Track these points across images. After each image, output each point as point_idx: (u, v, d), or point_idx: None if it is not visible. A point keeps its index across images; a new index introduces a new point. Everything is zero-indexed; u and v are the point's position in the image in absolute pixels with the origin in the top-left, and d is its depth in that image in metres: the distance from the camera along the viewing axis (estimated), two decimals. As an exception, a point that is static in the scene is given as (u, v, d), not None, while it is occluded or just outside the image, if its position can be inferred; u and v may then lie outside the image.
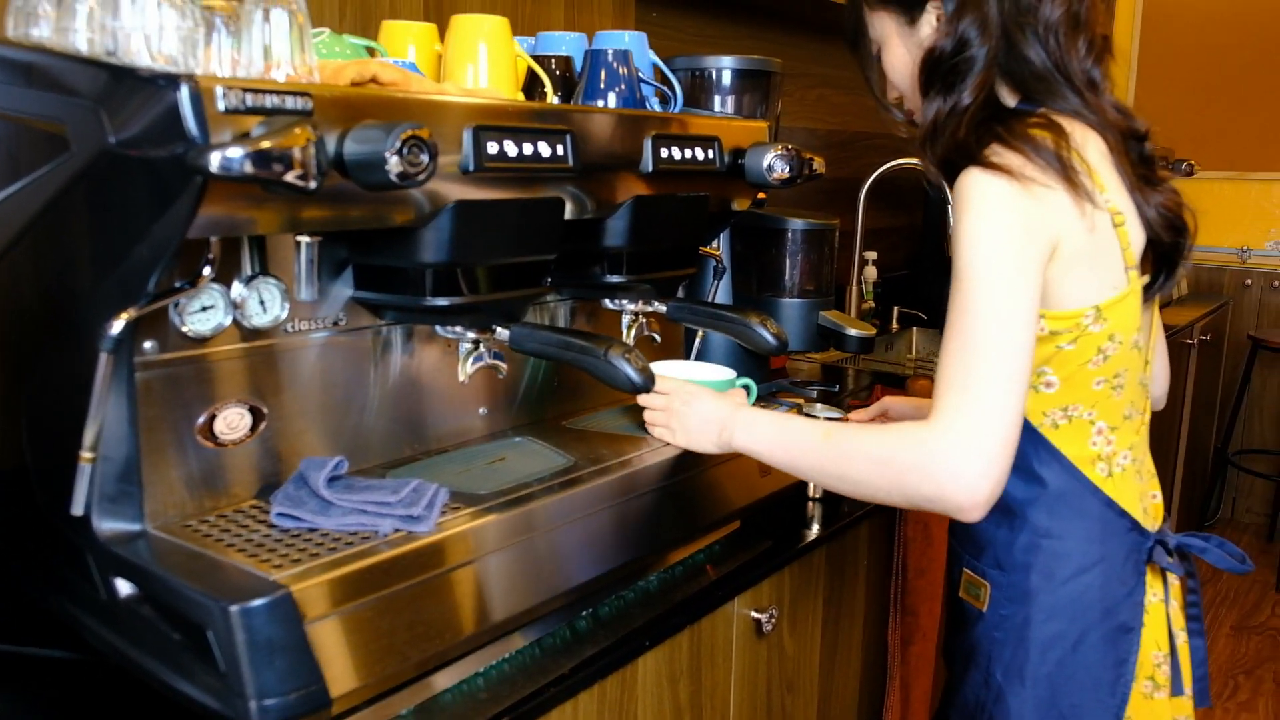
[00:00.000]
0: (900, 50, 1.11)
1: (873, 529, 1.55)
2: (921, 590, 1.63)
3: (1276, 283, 4.12)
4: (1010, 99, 1.06)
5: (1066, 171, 0.98)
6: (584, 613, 1.13)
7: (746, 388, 1.29)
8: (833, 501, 1.51)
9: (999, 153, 0.97)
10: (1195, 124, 4.04)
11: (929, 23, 1.08)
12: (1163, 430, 3.16)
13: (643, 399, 1.17)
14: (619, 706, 1.09)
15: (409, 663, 0.89)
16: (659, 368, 1.27)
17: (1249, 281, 4.16)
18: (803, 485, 1.39)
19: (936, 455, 0.92)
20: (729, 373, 1.24)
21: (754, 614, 1.29)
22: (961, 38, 1.02)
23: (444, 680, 0.98)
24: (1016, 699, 1.10)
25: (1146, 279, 1.10)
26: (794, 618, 1.39)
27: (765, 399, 1.47)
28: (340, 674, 0.83)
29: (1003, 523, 1.11)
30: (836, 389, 2.05)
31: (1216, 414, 4.13)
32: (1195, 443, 3.79)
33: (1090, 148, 1.03)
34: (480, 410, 1.20)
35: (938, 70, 1.04)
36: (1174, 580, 1.15)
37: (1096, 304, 1.02)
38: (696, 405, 1.15)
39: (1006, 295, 0.94)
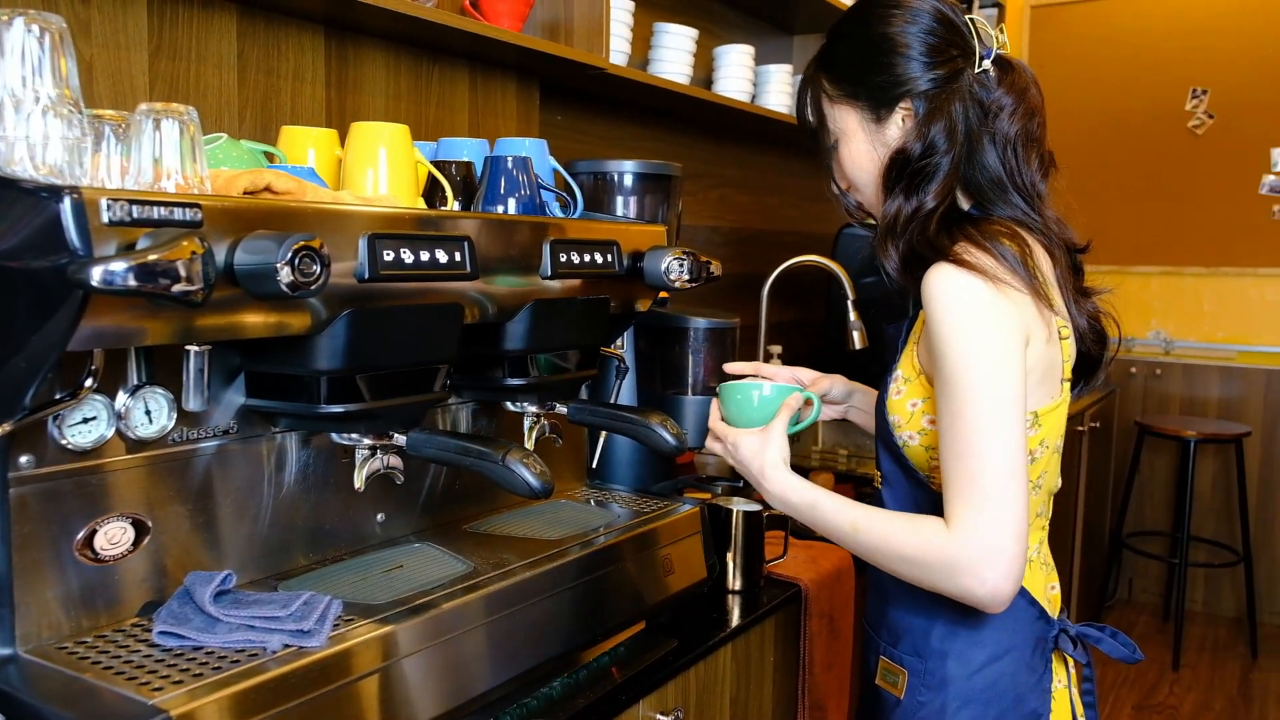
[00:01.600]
0: (863, 145, 1.13)
1: (779, 624, 1.55)
2: (829, 684, 1.63)
3: (1159, 370, 4.32)
4: (964, 202, 1.11)
5: (1031, 279, 1.02)
6: (485, 724, 1.10)
7: (809, 400, 1.23)
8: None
9: (971, 252, 1.01)
10: (1079, 219, 4.26)
11: (896, 123, 1.10)
12: (1059, 516, 3.25)
13: (710, 440, 1.22)
14: (521, 822, 1.06)
15: (298, 786, 0.85)
16: (731, 368, 1.32)
17: (1134, 370, 4.36)
18: (708, 582, 1.39)
19: (960, 563, 0.96)
20: (793, 387, 1.21)
21: (660, 716, 1.27)
22: (930, 142, 1.06)
23: (336, 802, 0.94)
24: None
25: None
26: (700, 718, 1.38)
27: (670, 496, 1.47)
28: (223, 802, 0.80)
29: (919, 610, 1.12)
30: (741, 483, 2.07)
31: (1109, 498, 4.27)
32: (1090, 527, 3.90)
33: (1040, 258, 1.09)
34: (378, 516, 1.18)
35: (904, 171, 1.08)
36: (1073, 667, 1.18)
37: (1035, 410, 1.06)
38: (737, 457, 1.16)
39: (1002, 391, 0.97)
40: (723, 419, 1.21)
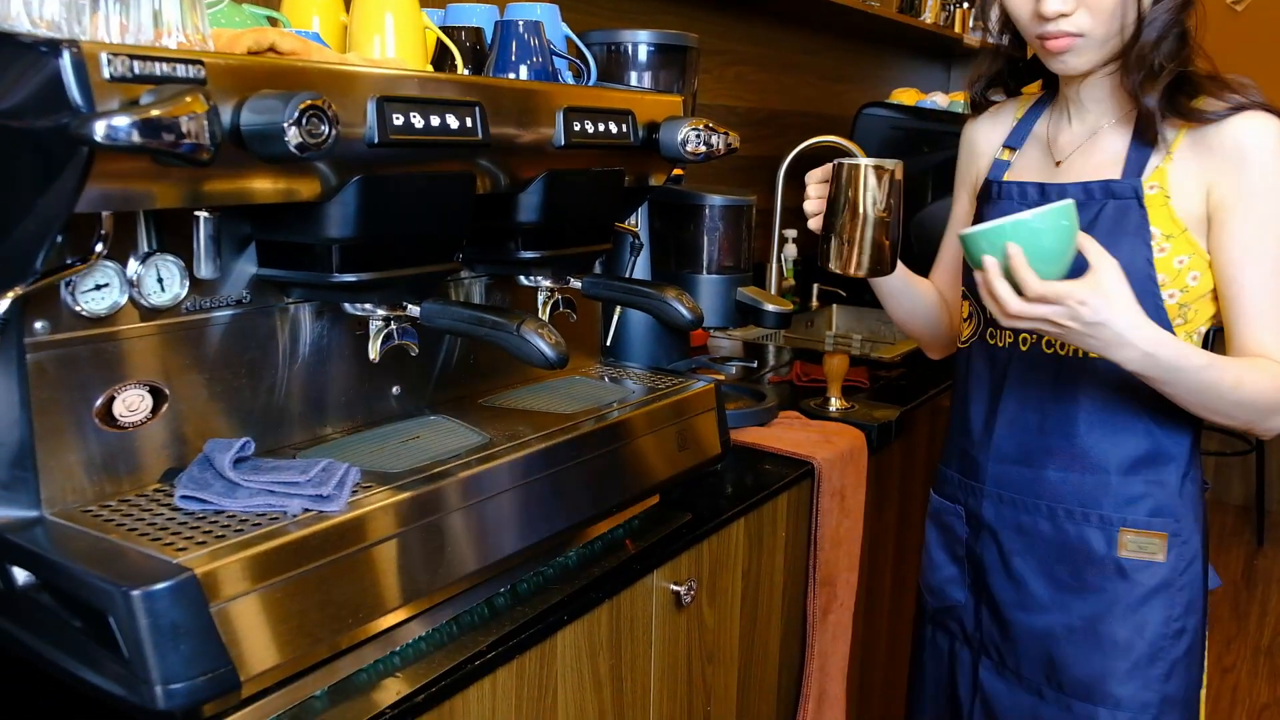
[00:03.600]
0: None
1: (790, 502, 1.58)
2: (838, 561, 1.66)
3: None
4: None
5: None
6: (502, 590, 1.12)
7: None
8: (753, 475, 1.53)
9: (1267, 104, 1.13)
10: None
11: None
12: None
13: (1018, 308, 1.04)
14: (538, 681, 1.09)
15: (321, 643, 0.88)
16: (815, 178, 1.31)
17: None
18: (722, 459, 1.41)
19: None
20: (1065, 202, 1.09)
21: (673, 587, 1.30)
22: None
23: (359, 660, 0.97)
24: (1202, 645, 1.27)
25: None
26: (713, 590, 1.41)
27: (683, 375, 1.47)
28: (250, 656, 0.82)
29: (1165, 473, 1.22)
30: (755, 364, 2.07)
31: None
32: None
33: None
34: (394, 389, 1.19)
35: None
36: None
37: None
38: (1096, 329, 1.05)
39: None
40: (1005, 275, 1.05)
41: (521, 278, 1.28)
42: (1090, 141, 1.24)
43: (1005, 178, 1.32)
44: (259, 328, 1.04)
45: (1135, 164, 1.19)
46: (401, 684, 0.95)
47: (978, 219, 1.31)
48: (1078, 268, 1.06)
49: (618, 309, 1.58)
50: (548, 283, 1.27)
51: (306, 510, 0.90)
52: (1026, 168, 1.31)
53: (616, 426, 1.22)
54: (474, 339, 1.11)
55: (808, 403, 1.87)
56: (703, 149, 1.26)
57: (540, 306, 1.29)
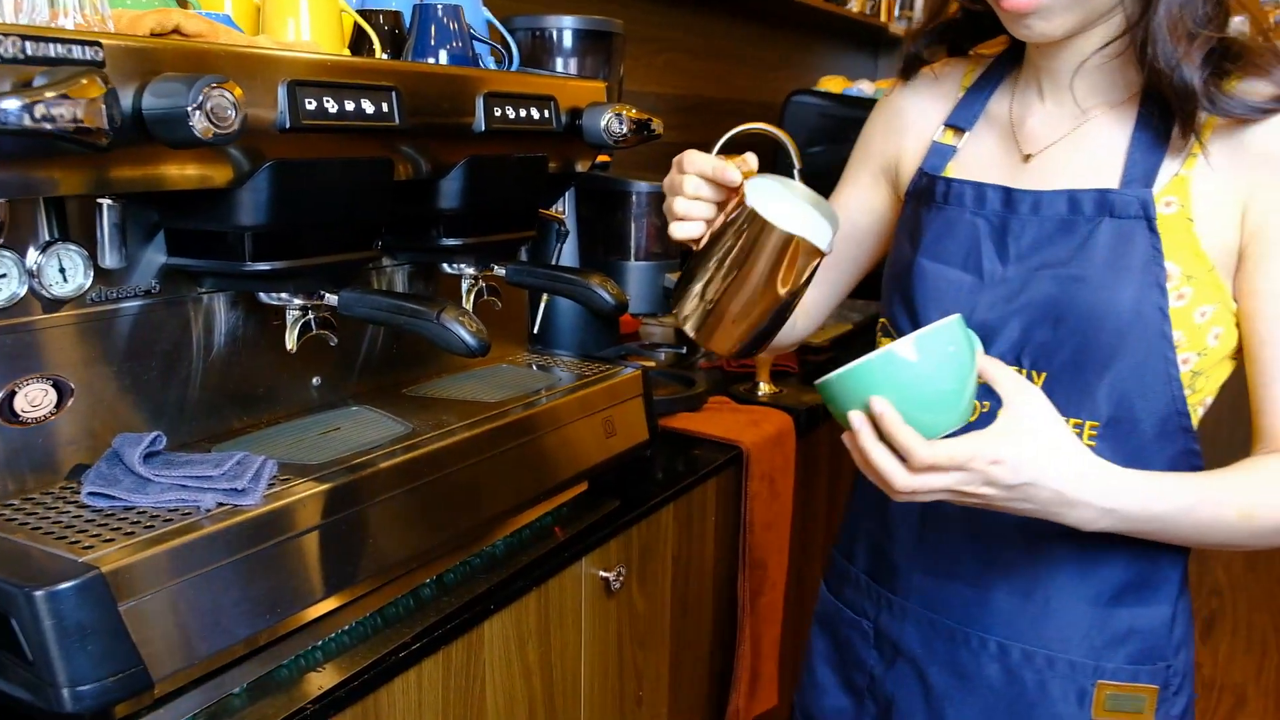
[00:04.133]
0: None
1: (719, 486, 1.58)
2: (770, 543, 1.68)
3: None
4: None
5: None
6: (428, 580, 1.11)
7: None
8: (683, 460, 1.53)
9: None
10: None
11: None
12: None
13: (905, 483, 0.77)
14: (465, 671, 1.09)
15: (239, 640, 0.86)
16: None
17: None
18: (651, 444, 1.41)
19: None
20: (950, 319, 0.80)
21: (602, 573, 1.30)
22: None
23: (279, 656, 0.95)
24: None
25: None
26: (643, 575, 1.41)
27: (612, 361, 1.47)
28: (163, 655, 0.80)
29: (1156, 600, 0.93)
30: (685, 351, 2.07)
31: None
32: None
33: None
34: (314, 380, 1.17)
35: None
36: None
37: None
38: (1027, 491, 0.78)
39: None
40: (876, 427, 0.77)
41: (445, 265, 1.27)
42: (1076, 132, 0.92)
43: (951, 172, 0.99)
44: (170, 319, 1.01)
45: (1142, 168, 0.87)
46: (324, 678, 0.94)
47: (913, 232, 1.00)
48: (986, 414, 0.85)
49: (545, 296, 1.57)
50: (471, 270, 1.25)
51: (221, 505, 0.88)
52: (981, 160, 0.98)
53: (543, 414, 1.21)
54: (394, 328, 1.09)
55: (737, 388, 1.88)
56: (625, 134, 1.26)
57: (464, 294, 1.28)
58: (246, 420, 1.10)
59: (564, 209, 1.71)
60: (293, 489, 0.93)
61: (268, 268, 0.96)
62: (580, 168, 1.36)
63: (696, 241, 0.88)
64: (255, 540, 0.88)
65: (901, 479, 0.76)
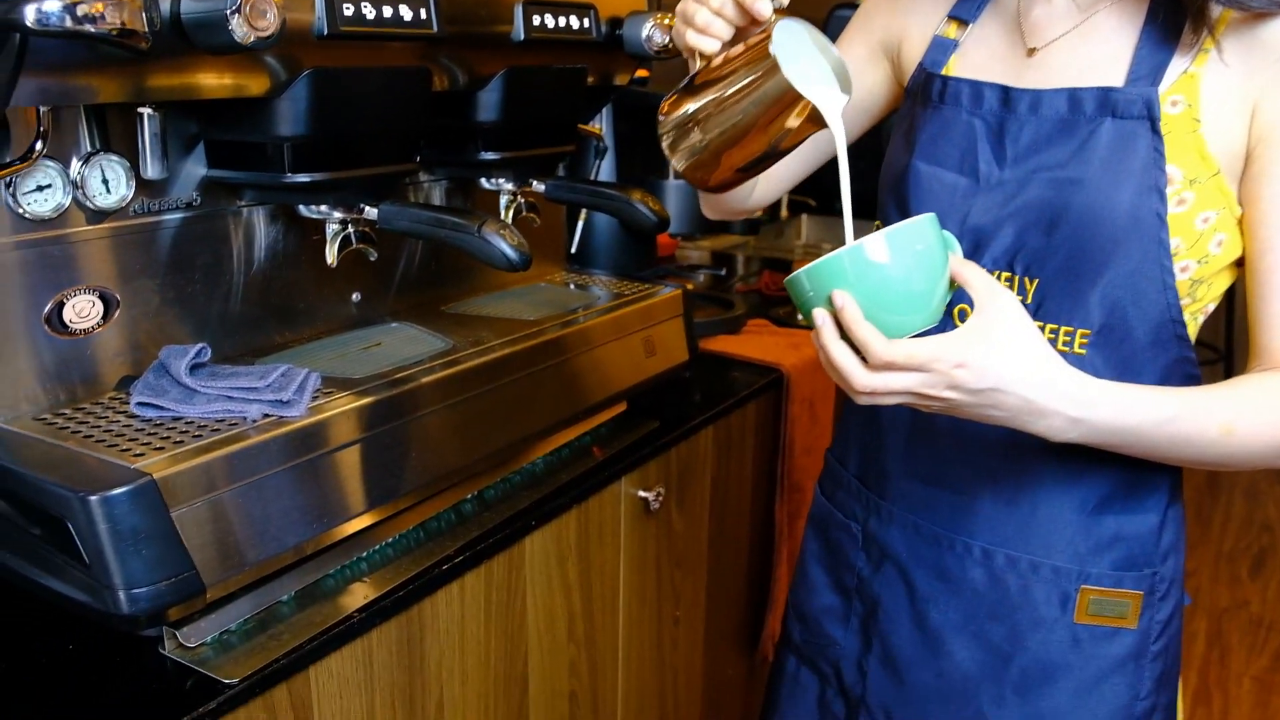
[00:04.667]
0: None
1: (759, 409, 1.59)
2: (808, 468, 1.69)
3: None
4: None
5: None
6: (469, 496, 1.13)
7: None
8: (722, 382, 1.54)
9: None
10: None
11: None
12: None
13: (864, 381, 0.76)
14: (507, 586, 1.11)
15: (286, 548, 0.88)
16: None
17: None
18: (690, 365, 1.41)
19: None
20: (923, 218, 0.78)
21: (641, 493, 1.32)
22: None
23: (325, 566, 0.98)
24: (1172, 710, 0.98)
25: None
26: (682, 496, 1.43)
27: (651, 281, 1.47)
28: (214, 561, 0.83)
29: (1143, 508, 0.94)
30: (724, 273, 2.07)
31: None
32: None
33: None
34: (353, 296, 1.18)
35: None
36: None
37: None
38: (993, 397, 0.77)
39: None
40: (839, 329, 0.76)
41: (483, 181, 1.27)
42: (1084, 25, 0.90)
43: (952, 69, 0.97)
44: (211, 231, 1.02)
45: (1149, 65, 0.86)
46: (369, 588, 0.96)
47: (909, 133, 0.99)
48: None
49: (583, 215, 1.57)
50: (509, 185, 1.25)
51: (266, 416, 0.90)
52: (983, 57, 0.96)
53: (582, 332, 1.22)
54: (434, 242, 1.10)
55: (776, 311, 1.88)
56: (666, 44, 1.24)
57: (502, 210, 1.28)
58: (288, 335, 1.11)
59: (602, 125, 1.70)
60: (336, 402, 0.94)
61: (307, 179, 0.97)
62: (619, 81, 1.34)
63: (705, 58, 0.86)
64: (301, 451, 0.90)
65: (860, 377, 0.76)
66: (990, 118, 0.92)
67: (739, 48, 0.84)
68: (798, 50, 0.82)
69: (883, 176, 1.03)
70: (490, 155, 1.19)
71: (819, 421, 1.70)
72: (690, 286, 1.68)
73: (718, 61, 0.85)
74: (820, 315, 0.76)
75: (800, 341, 1.70)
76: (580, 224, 1.55)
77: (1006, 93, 0.91)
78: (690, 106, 0.85)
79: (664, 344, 1.37)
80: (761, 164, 0.88)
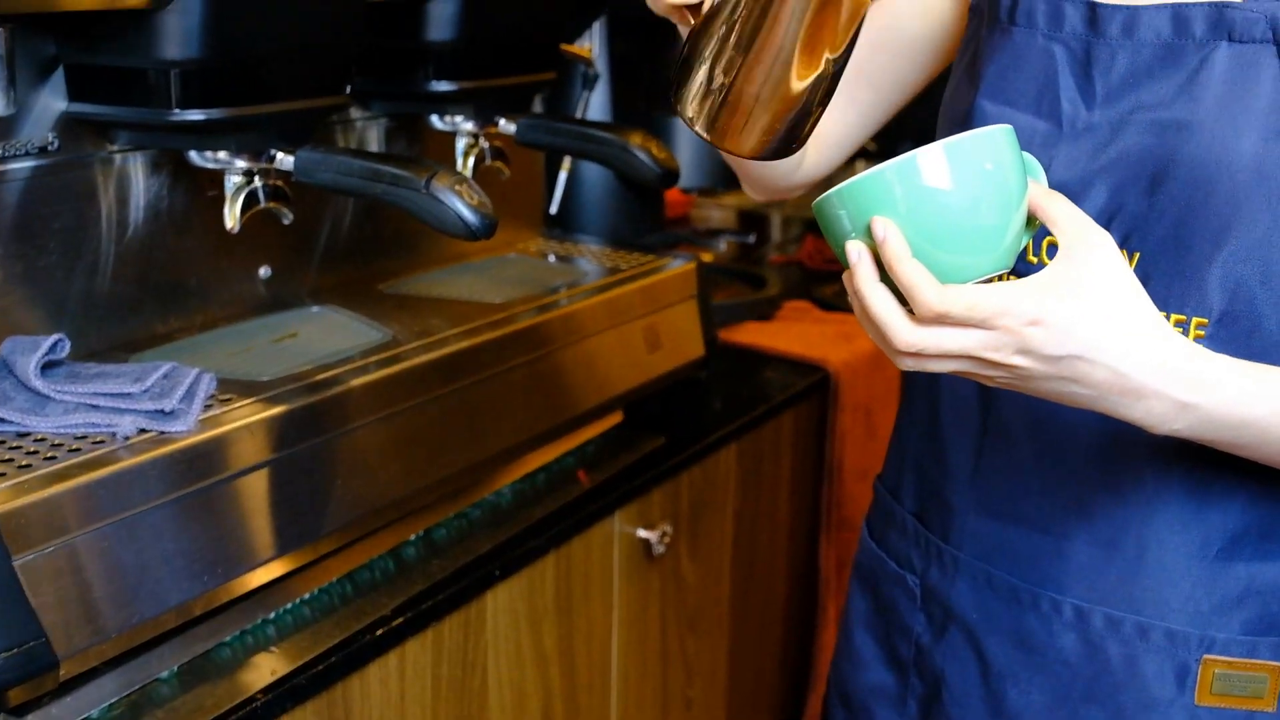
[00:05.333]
0: None
1: (798, 419, 1.59)
2: (862, 496, 1.68)
3: None
4: None
5: None
6: (413, 537, 1.13)
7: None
8: (748, 385, 1.54)
9: None
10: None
11: None
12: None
13: (918, 336, 0.75)
14: (461, 656, 1.11)
15: (167, 608, 0.88)
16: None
17: None
18: (707, 363, 1.41)
19: None
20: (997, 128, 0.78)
21: (641, 533, 1.31)
22: None
23: (220, 631, 0.97)
24: None
25: None
26: (695, 536, 1.43)
27: (658, 252, 1.47)
28: (70, 625, 0.82)
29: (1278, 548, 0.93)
30: (754, 240, 2.06)
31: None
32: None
33: None
34: (261, 271, 1.18)
35: None
36: None
37: None
38: (1076, 368, 0.76)
39: None
40: (880, 270, 0.76)
41: (435, 119, 1.26)
42: None
43: None
44: (72, 185, 1.02)
45: None
46: (277, 661, 0.96)
47: (972, 64, 0.99)
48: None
49: (566, 162, 1.56)
50: (470, 125, 1.25)
51: (143, 431, 0.90)
52: None
53: (564, 319, 1.22)
54: (369, 200, 1.09)
55: (822, 290, 1.87)
56: (681, -61, 1.23)
57: (460, 157, 1.27)
58: (174, 322, 1.11)
59: (593, 45, 1.70)
60: (236, 412, 0.94)
61: (201, 117, 0.96)
62: (617, -13, 1.34)
63: (695, 10, 0.85)
64: (188, 478, 0.89)
65: (903, 331, 0.75)
66: (1074, 43, 0.92)
67: None
68: None
69: (941, 119, 1.02)
70: (444, 85, 1.19)
71: (877, 437, 1.69)
72: (708, 258, 1.67)
73: (707, 4, 0.83)
74: (855, 250, 0.75)
75: (853, 330, 1.69)
76: (563, 176, 1.55)
77: (1094, 10, 0.91)
78: (699, 65, 0.84)
79: (672, 334, 1.36)
80: (810, 102, 0.85)
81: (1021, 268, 0.90)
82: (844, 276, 0.78)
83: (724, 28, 0.82)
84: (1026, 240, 0.79)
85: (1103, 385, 0.77)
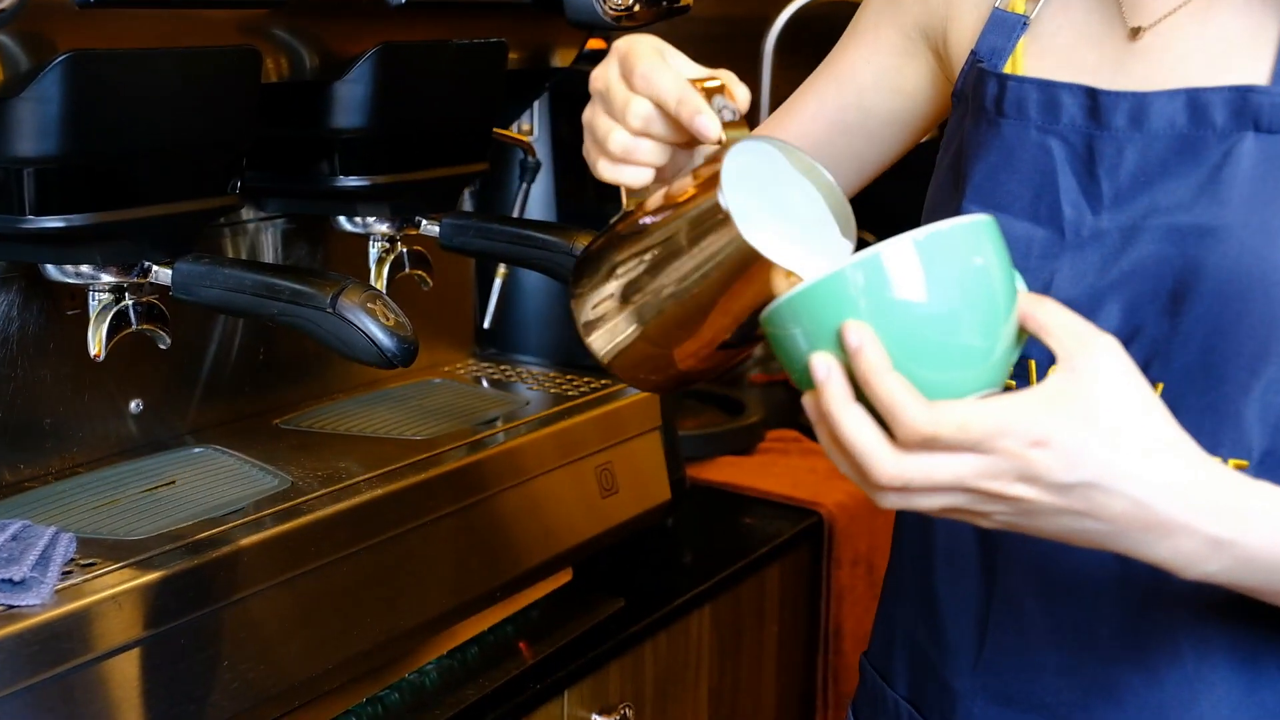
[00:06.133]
0: None
1: (785, 575, 1.59)
2: (866, 668, 1.68)
3: None
4: None
5: None
6: (316, 729, 1.12)
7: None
8: (726, 534, 1.54)
9: None
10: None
11: None
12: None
13: (902, 466, 0.73)
14: None
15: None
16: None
17: None
18: (674, 507, 1.41)
19: None
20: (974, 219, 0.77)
21: (596, 717, 1.30)
22: None
23: None
24: None
25: None
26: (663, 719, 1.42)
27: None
28: None
29: None
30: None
31: None
32: None
33: None
34: (132, 405, 1.19)
35: None
36: None
37: None
38: (1089, 497, 0.75)
39: None
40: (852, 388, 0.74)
41: (343, 220, 1.28)
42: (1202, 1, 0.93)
43: (1018, 64, 1.00)
44: (-97, 306, 1.03)
45: None
46: None
47: (958, 160, 1.02)
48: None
49: (501, 269, 1.58)
50: (385, 227, 1.26)
51: (-14, 605, 0.89)
52: (1064, 44, 0.99)
53: (502, 459, 1.23)
54: (262, 321, 1.10)
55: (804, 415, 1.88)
56: (632, 5, 1.27)
57: (373, 266, 1.28)
58: (26, 469, 1.11)
59: (533, 127, 1.72)
60: (100, 580, 0.94)
61: (60, 224, 0.97)
62: (559, 61, 1.37)
63: (633, 193, 0.87)
64: (43, 662, 0.88)
65: (886, 461, 0.72)
66: (1074, 136, 0.93)
67: (683, 181, 0.84)
68: (765, 186, 0.83)
69: (924, 221, 1.02)
70: (354, 181, 1.20)
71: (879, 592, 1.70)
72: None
73: (654, 201, 0.85)
74: (823, 365, 0.73)
75: (850, 466, 1.70)
76: (498, 284, 1.56)
77: (1094, 97, 0.92)
78: (609, 273, 0.86)
79: (632, 474, 1.37)
80: (728, 360, 0.89)
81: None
82: (804, 399, 0.76)
83: (653, 261, 0.84)
84: (1017, 355, 0.78)
85: (1121, 519, 0.76)
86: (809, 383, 0.74)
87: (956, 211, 0.96)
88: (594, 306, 0.87)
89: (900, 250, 0.72)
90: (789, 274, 0.78)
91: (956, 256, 0.74)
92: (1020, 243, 0.93)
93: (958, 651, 1.00)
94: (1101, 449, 0.74)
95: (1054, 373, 0.76)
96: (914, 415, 0.72)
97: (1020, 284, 0.79)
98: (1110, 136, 0.92)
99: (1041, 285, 0.92)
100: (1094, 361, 0.75)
